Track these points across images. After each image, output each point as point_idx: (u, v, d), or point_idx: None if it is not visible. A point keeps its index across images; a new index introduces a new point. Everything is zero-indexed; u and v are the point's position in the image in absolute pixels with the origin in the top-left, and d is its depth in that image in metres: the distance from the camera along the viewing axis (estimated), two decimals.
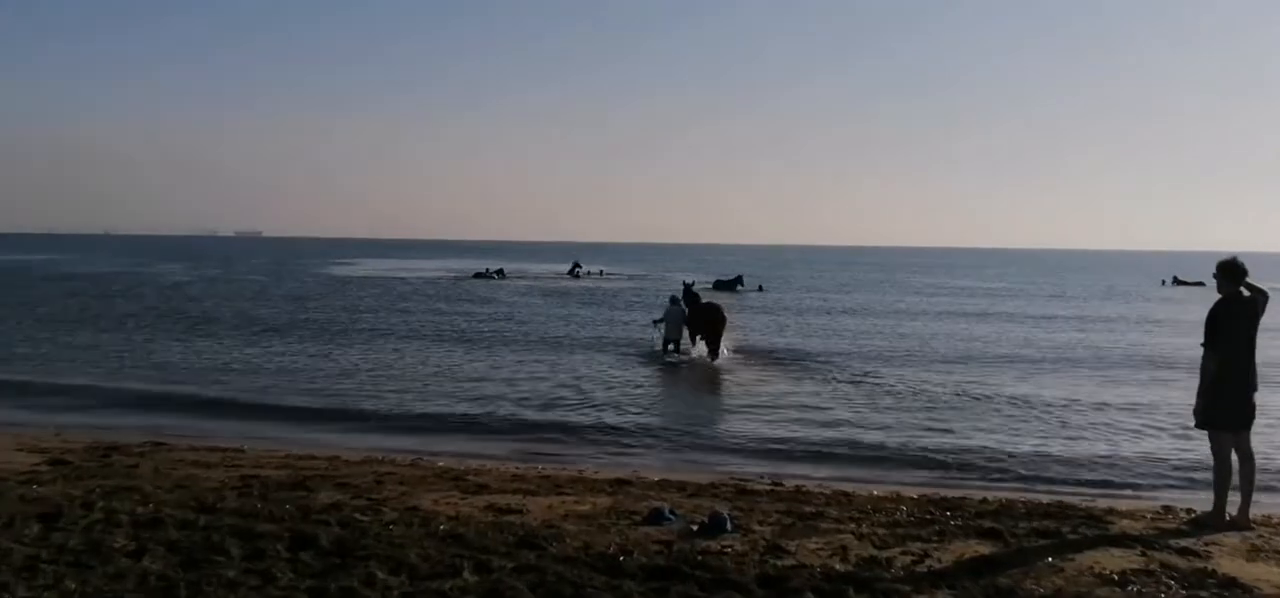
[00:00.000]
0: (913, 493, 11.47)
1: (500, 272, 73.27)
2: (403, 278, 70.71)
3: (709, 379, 22.29)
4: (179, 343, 27.87)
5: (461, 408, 17.95)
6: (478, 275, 71.99)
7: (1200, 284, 66.36)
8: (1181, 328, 35.27)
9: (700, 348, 24.75)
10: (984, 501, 10.85)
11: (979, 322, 39.86)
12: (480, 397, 19.17)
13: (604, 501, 9.74)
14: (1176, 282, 74.91)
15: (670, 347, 25.66)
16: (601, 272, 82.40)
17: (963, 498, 11.08)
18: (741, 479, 12.27)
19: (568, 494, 10.05)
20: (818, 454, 14.73)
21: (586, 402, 18.62)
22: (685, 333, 25.40)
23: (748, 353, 26.58)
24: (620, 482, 11.22)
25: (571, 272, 78.02)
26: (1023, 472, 13.70)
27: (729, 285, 58.82)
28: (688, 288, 27.23)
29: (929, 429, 16.39)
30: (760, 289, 59.24)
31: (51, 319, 34.50)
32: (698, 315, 25.28)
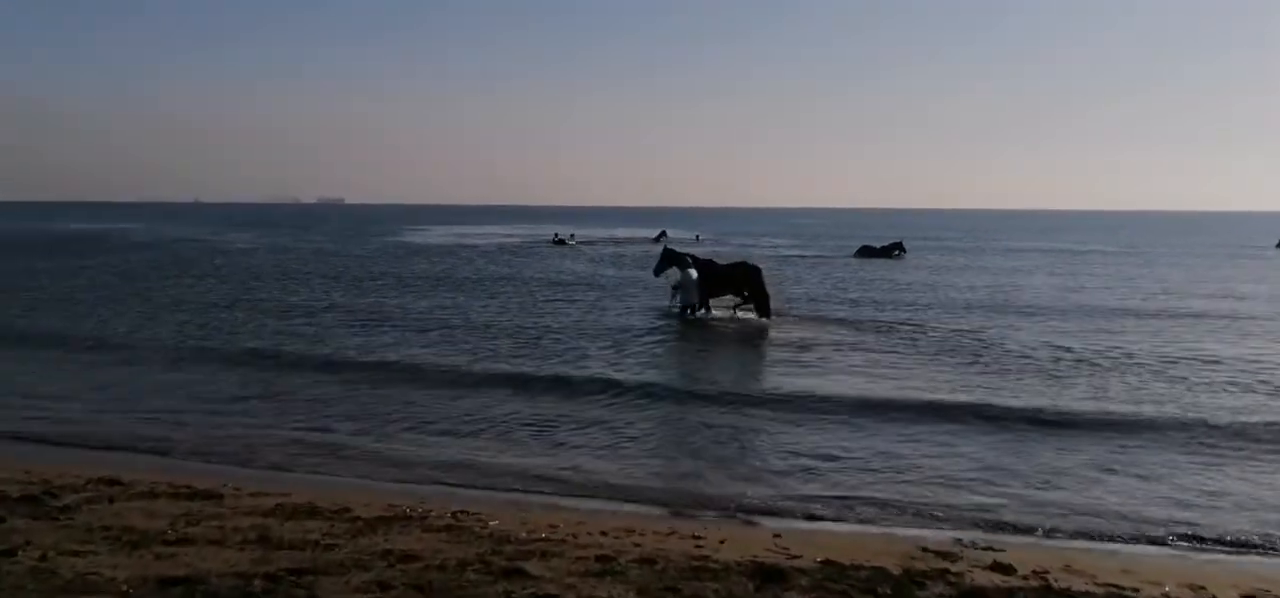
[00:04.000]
0: (1223, 579, 7.23)
1: (569, 238, 69.59)
2: (475, 245, 67.47)
3: (804, 364, 17.77)
4: (225, 312, 24.60)
5: (512, 417, 13.81)
6: (556, 241, 68.45)
7: None
8: None
9: (716, 311, 24.30)
10: None
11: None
12: (537, 416, 14.67)
13: None
14: None
15: (689, 312, 24.26)
16: (697, 237, 78.17)
17: None
18: (945, 553, 8.15)
19: None
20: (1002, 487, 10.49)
21: (672, 412, 14.44)
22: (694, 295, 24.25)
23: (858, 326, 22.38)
24: (766, 573, 7.11)
25: (658, 240, 73.75)
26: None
27: (885, 252, 53.51)
28: (671, 251, 26.99)
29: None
30: (900, 254, 53.45)
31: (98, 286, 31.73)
32: (730, 278, 24.62)
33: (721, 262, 26.67)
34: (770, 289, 24.41)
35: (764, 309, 23.71)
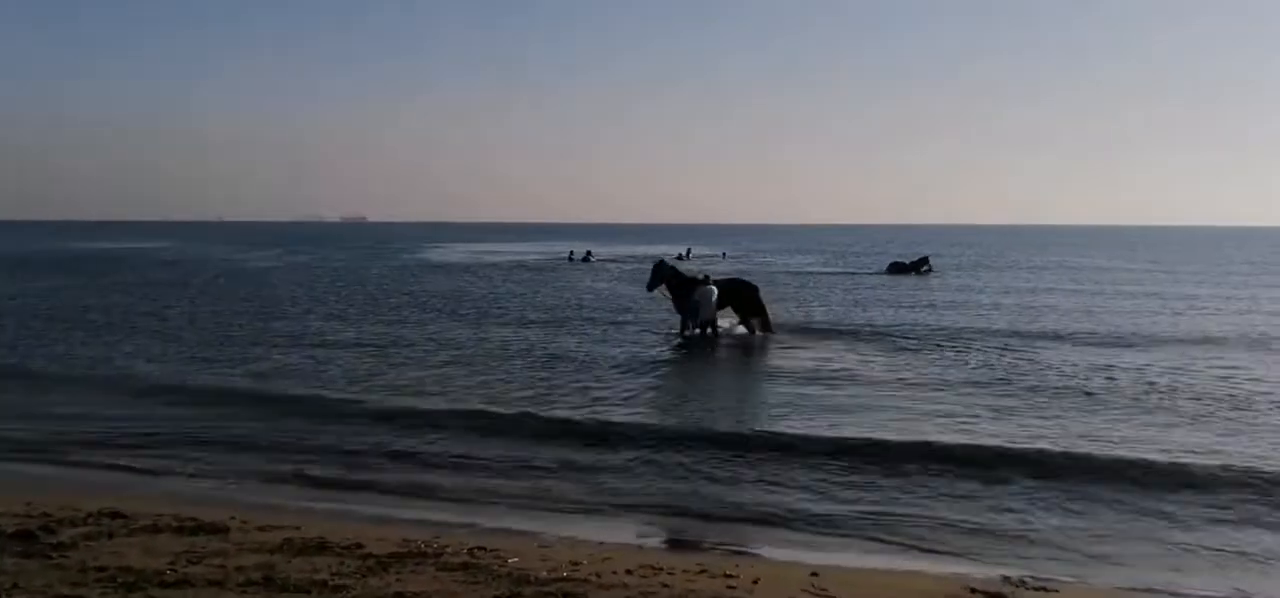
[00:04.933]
0: None
1: (586, 255, 69.21)
2: (494, 263, 67.27)
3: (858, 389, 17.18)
4: (238, 333, 24.29)
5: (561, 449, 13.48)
6: (572, 258, 68.27)
7: None
8: None
9: (729, 327, 24.28)
10: None
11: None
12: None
13: None
14: None
15: (708, 331, 23.76)
16: (723, 254, 77.87)
17: None
18: (994, 595, 7.67)
19: None
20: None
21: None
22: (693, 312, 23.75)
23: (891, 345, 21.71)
24: None
25: (680, 257, 73.24)
26: None
27: (913, 267, 52.56)
28: (663, 265, 26.37)
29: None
30: (928, 270, 52.38)
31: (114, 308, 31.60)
32: (734, 295, 24.61)
33: (717, 280, 25.99)
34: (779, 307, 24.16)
35: (765, 325, 24.22)
